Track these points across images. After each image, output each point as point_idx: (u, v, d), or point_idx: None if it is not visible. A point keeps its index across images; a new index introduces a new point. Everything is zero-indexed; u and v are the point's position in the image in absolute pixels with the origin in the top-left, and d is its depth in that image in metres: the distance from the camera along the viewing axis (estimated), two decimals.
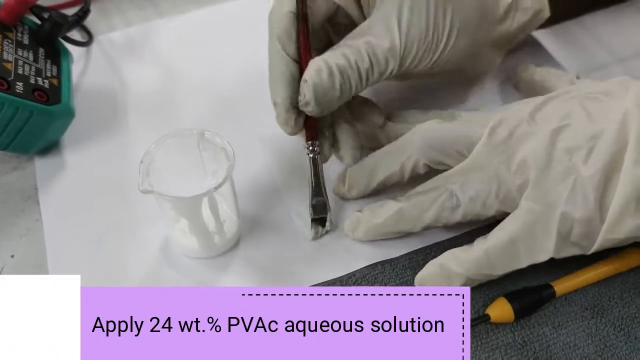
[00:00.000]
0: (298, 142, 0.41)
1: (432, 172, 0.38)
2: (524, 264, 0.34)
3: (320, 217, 0.39)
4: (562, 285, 0.37)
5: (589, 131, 0.33)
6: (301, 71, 0.38)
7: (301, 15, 0.38)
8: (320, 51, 0.38)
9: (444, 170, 0.37)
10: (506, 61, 0.49)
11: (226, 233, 0.39)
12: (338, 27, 0.42)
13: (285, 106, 0.38)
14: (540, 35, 0.53)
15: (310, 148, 0.39)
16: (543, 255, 0.34)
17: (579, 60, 0.51)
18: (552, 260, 0.38)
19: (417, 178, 0.38)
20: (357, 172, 0.41)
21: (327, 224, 0.39)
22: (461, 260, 0.35)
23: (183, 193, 0.34)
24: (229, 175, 0.35)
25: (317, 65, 0.36)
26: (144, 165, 0.35)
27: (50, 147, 0.45)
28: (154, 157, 0.36)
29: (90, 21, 0.52)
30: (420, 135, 0.38)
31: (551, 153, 0.33)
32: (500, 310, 0.36)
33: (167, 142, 0.36)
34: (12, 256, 0.40)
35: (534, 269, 0.38)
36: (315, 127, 0.40)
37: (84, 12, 0.49)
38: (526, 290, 0.36)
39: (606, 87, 0.36)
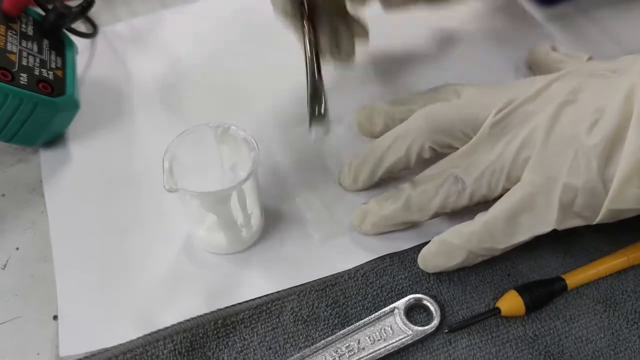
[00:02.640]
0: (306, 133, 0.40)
1: (437, 157, 0.37)
2: (525, 236, 0.34)
3: (319, 111, 0.37)
4: (574, 278, 0.36)
5: (594, 105, 0.33)
6: None
7: None
8: None
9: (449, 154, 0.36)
10: (518, 51, 0.49)
11: (252, 226, 0.38)
12: None
13: None
14: (551, 29, 0.52)
15: (308, 29, 0.39)
16: (545, 226, 0.33)
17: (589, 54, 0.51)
18: (563, 252, 0.38)
19: (423, 165, 0.38)
20: (362, 160, 0.40)
21: (325, 122, 0.37)
22: (462, 233, 0.35)
23: (204, 189, 0.33)
24: (255, 165, 0.34)
25: None
26: (167, 162, 0.34)
27: (55, 139, 0.45)
28: (175, 154, 0.35)
29: (94, 12, 0.51)
30: (424, 118, 0.37)
31: (554, 125, 0.33)
32: (511, 303, 0.35)
33: (187, 137, 0.36)
34: (17, 249, 0.39)
35: (546, 261, 0.38)
36: (313, 12, 0.39)
37: (88, 3, 0.48)
38: (537, 283, 0.36)
39: (615, 65, 0.35)
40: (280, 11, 0.39)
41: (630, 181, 0.31)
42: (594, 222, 0.33)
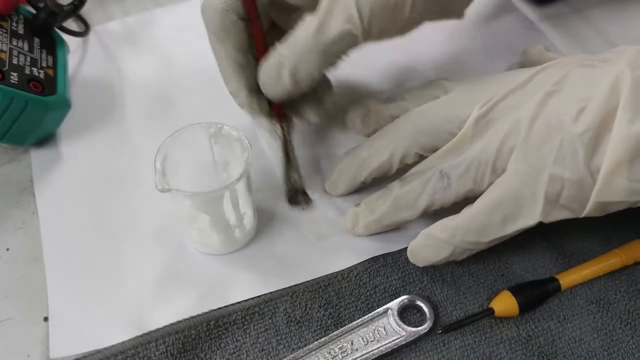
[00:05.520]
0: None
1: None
2: (510, 229, 0.33)
3: (296, 193, 0.40)
4: (568, 279, 0.36)
5: (581, 94, 0.32)
6: (257, 55, 0.38)
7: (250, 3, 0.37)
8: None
9: None
10: (511, 51, 0.49)
11: (245, 226, 0.38)
12: (281, 7, 0.40)
13: (245, 93, 0.38)
14: (545, 29, 0.52)
15: (281, 128, 0.40)
16: (530, 219, 0.33)
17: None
18: (557, 252, 0.38)
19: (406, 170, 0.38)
20: (343, 168, 0.40)
21: (304, 197, 0.40)
22: (447, 227, 0.34)
23: (197, 189, 0.33)
24: (248, 165, 0.34)
25: (270, 67, 0.36)
26: (159, 162, 0.34)
27: (47, 138, 0.44)
28: (167, 154, 0.35)
29: (86, 10, 0.51)
30: (410, 123, 0.37)
31: (539, 114, 0.33)
32: (505, 303, 0.35)
33: (179, 137, 0.35)
34: (8, 249, 0.39)
35: (539, 261, 0.38)
36: (281, 106, 0.40)
37: (80, 1, 0.48)
38: (531, 284, 0.36)
39: (604, 55, 0.35)
40: (247, 109, 0.40)
41: (617, 172, 0.30)
42: (582, 215, 0.33)
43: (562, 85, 0.33)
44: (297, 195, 0.40)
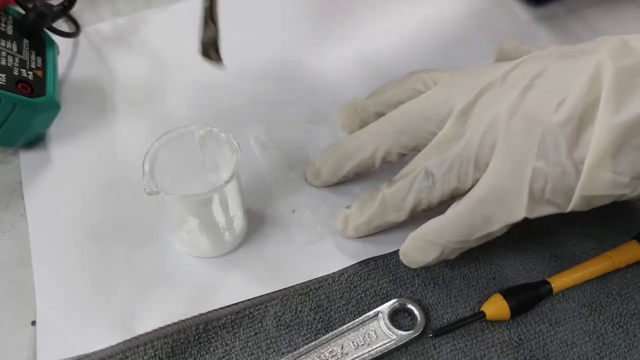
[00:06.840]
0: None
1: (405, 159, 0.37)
2: (496, 227, 0.33)
3: (209, 45, 0.39)
4: (559, 282, 0.36)
5: (561, 85, 0.32)
6: None
7: None
8: None
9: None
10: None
11: (235, 229, 0.38)
12: None
13: None
14: (540, 30, 0.52)
15: None
16: (515, 215, 0.32)
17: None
18: (549, 255, 0.38)
19: (391, 167, 0.38)
20: (327, 157, 0.40)
21: (216, 52, 0.39)
22: (434, 228, 0.34)
23: (185, 191, 0.33)
24: (237, 168, 0.34)
25: None
26: (147, 165, 0.34)
27: (36, 140, 0.44)
28: (156, 156, 0.34)
29: (76, 11, 0.50)
30: (391, 122, 0.37)
31: (519, 106, 0.32)
32: (496, 307, 0.35)
33: (168, 139, 0.35)
34: None
35: (531, 264, 0.38)
36: None
37: (70, 2, 0.48)
38: (523, 287, 0.36)
39: (585, 46, 0.34)
40: None
41: (602, 165, 0.30)
42: (567, 210, 0.32)
43: (541, 77, 0.33)
44: (210, 48, 0.39)
